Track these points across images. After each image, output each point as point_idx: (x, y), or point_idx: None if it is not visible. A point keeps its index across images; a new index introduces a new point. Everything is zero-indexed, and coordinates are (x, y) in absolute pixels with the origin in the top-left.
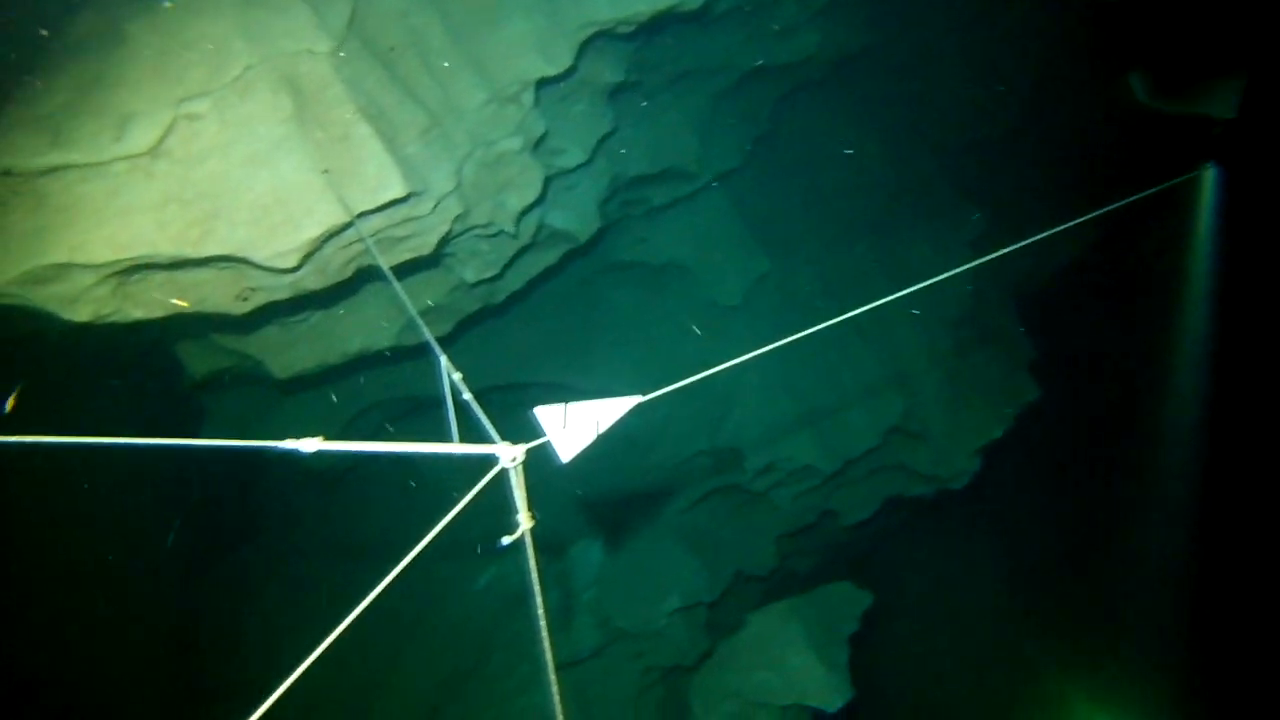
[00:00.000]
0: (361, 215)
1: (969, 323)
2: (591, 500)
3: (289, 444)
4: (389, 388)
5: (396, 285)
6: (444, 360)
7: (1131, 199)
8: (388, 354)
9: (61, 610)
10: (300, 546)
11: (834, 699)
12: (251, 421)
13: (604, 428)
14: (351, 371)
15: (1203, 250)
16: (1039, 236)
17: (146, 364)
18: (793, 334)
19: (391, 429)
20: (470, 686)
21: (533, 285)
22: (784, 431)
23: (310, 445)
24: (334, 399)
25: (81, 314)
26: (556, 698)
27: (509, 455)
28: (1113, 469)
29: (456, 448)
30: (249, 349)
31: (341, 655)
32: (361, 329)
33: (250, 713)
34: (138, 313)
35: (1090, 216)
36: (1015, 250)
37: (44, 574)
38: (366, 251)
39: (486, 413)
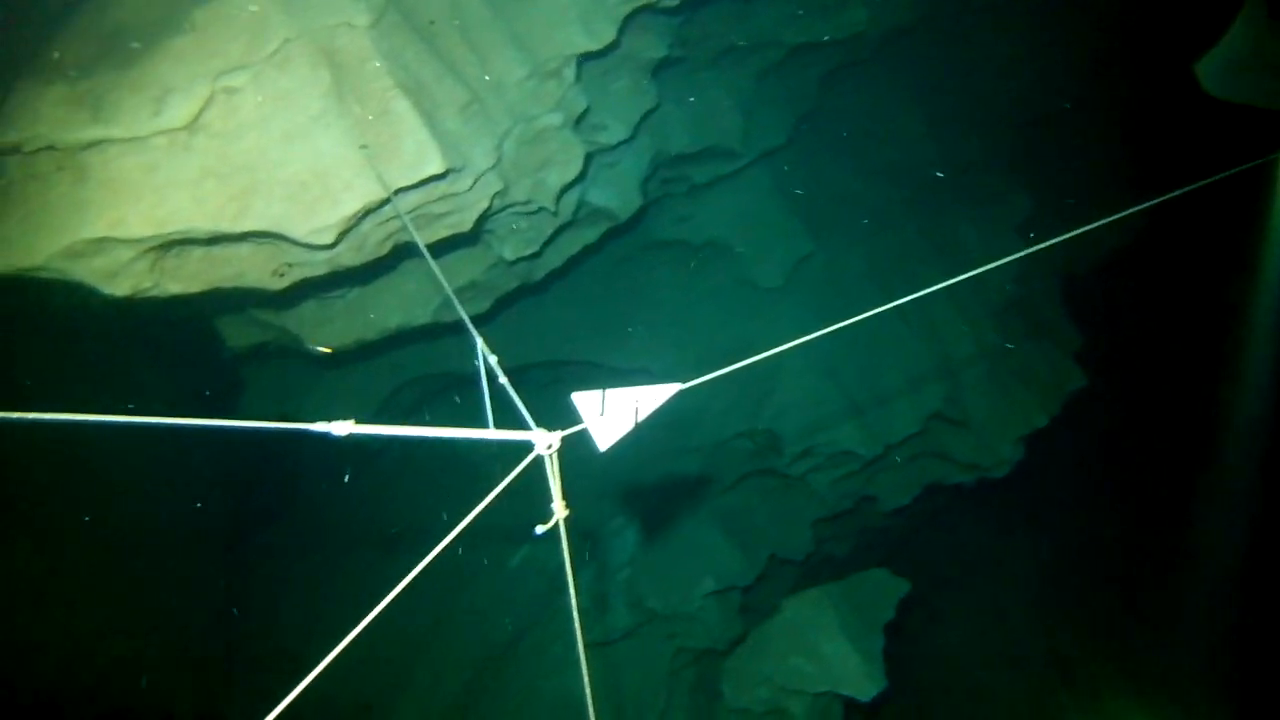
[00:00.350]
0: (399, 191)
1: (1014, 308)
2: (627, 481)
3: (320, 427)
4: (426, 363)
5: (433, 263)
6: (480, 343)
7: (1195, 185)
8: (425, 330)
9: (102, 579)
10: (334, 521)
11: (867, 688)
12: (290, 395)
13: (643, 415)
14: (389, 347)
15: (1275, 241)
16: (1090, 226)
17: (186, 338)
18: (836, 316)
19: (428, 411)
20: (502, 666)
21: (572, 263)
22: (824, 415)
23: (342, 428)
24: (378, 374)
25: (121, 288)
26: (586, 679)
27: (544, 442)
28: (1163, 464)
29: (491, 434)
30: (287, 324)
31: (374, 635)
32: (399, 306)
33: (289, 688)
34: (175, 288)
35: (1149, 205)
36: (1063, 240)
37: (85, 543)
38: (404, 228)
39: (523, 391)
